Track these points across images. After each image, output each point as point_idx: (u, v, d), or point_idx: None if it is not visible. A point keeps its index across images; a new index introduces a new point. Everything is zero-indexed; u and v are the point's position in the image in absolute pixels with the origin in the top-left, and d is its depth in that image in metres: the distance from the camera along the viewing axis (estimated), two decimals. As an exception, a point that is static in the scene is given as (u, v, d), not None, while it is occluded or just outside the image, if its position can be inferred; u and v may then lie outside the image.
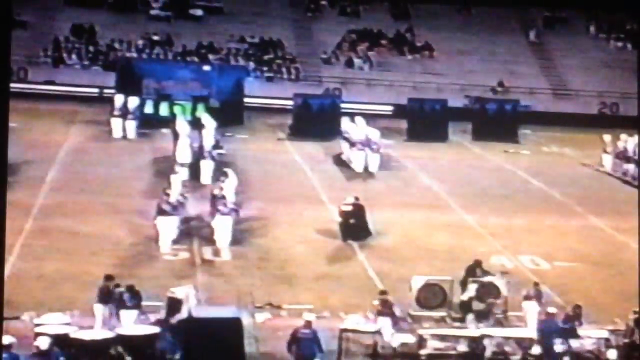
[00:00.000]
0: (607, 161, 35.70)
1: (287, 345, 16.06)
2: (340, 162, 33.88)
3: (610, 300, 19.35)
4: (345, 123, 35.64)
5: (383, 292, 17.96)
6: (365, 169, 32.36)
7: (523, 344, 17.25)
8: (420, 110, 41.08)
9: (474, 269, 19.70)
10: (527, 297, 18.62)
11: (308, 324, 16.13)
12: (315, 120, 39.31)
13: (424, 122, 40.46)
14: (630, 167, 34.10)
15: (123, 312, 16.90)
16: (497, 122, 41.32)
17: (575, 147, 40.62)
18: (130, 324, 16.56)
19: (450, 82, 47.91)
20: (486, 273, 19.63)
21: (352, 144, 33.26)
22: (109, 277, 17.62)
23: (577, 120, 46.04)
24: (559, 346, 16.79)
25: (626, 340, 17.32)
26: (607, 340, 17.27)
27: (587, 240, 25.77)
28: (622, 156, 34.91)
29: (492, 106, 42.23)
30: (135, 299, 17.07)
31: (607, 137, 35.82)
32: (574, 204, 29.93)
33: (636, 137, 33.82)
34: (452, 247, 24.21)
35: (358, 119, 35.48)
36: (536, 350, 17.15)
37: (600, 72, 50.87)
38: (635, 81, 49.28)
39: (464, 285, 19.34)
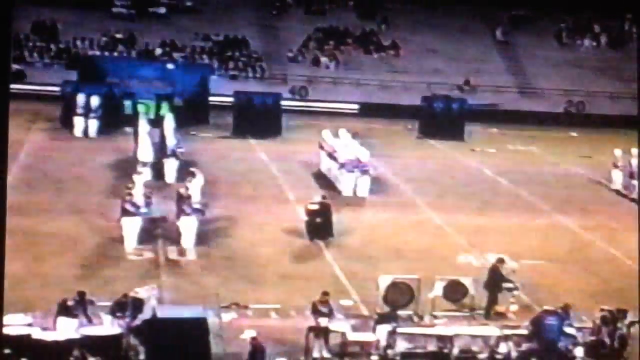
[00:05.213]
0: (617, 177, 31.97)
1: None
2: (322, 177, 31.13)
3: (577, 298, 19.31)
4: (326, 135, 32.18)
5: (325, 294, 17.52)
6: (354, 192, 28.93)
7: (490, 342, 17.18)
8: (249, 104, 39.43)
9: (497, 269, 19.64)
10: None
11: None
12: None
13: (252, 116, 38.42)
14: None
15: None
16: (443, 120, 41.21)
17: (541, 145, 40.76)
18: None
19: (417, 81, 47.82)
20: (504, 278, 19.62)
21: (342, 165, 29.48)
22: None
23: (543, 119, 46.26)
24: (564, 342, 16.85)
25: (593, 338, 17.33)
26: (574, 337, 17.22)
27: (553, 239, 25.78)
28: (636, 175, 30.70)
29: (439, 104, 41.99)
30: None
31: (617, 152, 32.04)
32: (541, 202, 29.96)
33: None
34: (420, 246, 24.13)
35: (342, 131, 32.93)
36: (503, 348, 17.10)
37: (566, 70, 51.06)
38: (601, 80, 49.72)
39: (490, 287, 19.36)
